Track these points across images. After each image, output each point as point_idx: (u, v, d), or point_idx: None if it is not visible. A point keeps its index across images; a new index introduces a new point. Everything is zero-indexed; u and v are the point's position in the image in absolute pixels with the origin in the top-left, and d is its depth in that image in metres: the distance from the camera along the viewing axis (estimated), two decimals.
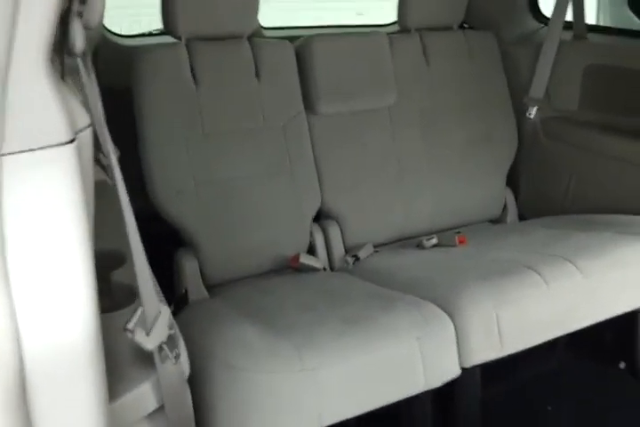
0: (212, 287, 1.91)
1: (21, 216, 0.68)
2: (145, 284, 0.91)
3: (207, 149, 1.89)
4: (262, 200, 1.97)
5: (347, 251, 2.12)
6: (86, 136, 0.78)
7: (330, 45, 2.11)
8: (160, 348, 0.94)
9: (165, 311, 0.96)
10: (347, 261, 2.07)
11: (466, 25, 2.48)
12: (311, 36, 2.10)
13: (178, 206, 1.84)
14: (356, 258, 2.06)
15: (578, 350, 2.09)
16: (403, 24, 2.27)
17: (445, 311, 1.57)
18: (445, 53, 2.31)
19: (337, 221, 2.12)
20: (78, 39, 0.79)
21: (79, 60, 0.83)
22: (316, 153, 2.09)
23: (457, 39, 2.34)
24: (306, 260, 1.99)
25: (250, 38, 2.00)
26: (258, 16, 2.03)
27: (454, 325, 1.54)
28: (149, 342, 0.90)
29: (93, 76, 0.94)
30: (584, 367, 2.07)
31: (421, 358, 1.47)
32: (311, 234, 2.07)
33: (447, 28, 2.34)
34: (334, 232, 2.11)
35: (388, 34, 2.25)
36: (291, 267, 1.99)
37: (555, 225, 2.14)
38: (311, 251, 2.08)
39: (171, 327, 0.98)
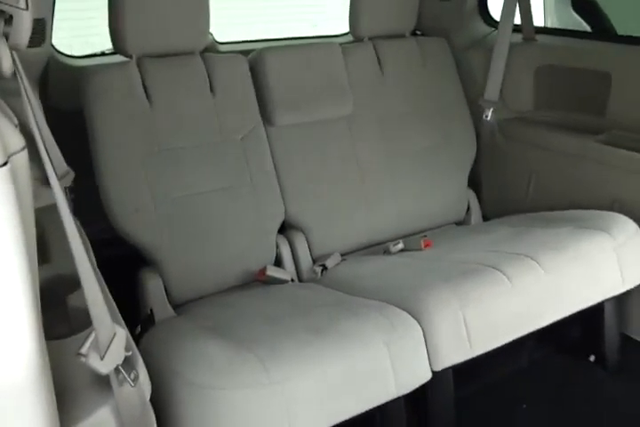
0: (178, 306, 1.88)
1: None
2: (96, 306, 0.90)
3: (164, 166, 1.87)
4: (224, 215, 1.95)
5: (314, 261, 2.12)
6: (21, 158, 0.76)
7: (283, 57, 2.12)
8: (117, 371, 0.92)
9: (121, 333, 0.95)
10: (315, 272, 2.07)
11: (418, 32, 2.52)
12: (263, 49, 2.10)
13: (137, 225, 1.82)
14: (324, 267, 2.06)
15: (547, 346, 2.11)
16: (355, 33, 2.29)
17: (412, 315, 1.56)
18: (399, 61, 2.34)
19: (302, 232, 2.12)
20: (5, 61, 0.78)
21: (21, 81, 0.81)
22: (276, 165, 2.09)
23: (410, 46, 2.37)
24: (273, 272, 1.98)
25: (202, 54, 2.00)
26: (209, 31, 2.03)
27: (422, 328, 1.54)
28: (104, 366, 0.89)
29: (35, 97, 0.93)
30: (555, 363, 2.09)
31: (391, 363, 1.46)
32: (277, 246, 2.06)
33: (400, 36, 2.37)
34: (300, 243, 2.11)
35: (341, 44, 2.26)
36: (258, 280, 1.98)
37: (516, 224, 2.17)
38: (278, 263, 2.07)
39: (128, 349, 0.97)
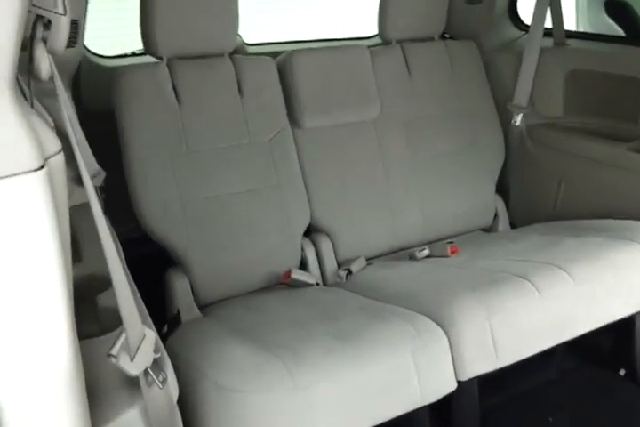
0: (204, 306, 1.88)
1: None
2: (127, 307, 0.90)
3: (193, 167, 1.88)
4: (251, 216, 1.95)
5: (339, 265, 2.11)
6: (57, 161, 0.77)
7: (311, 60, 2.11)
8: (146, 372, 0.92)
9: (150, 335, 0.95)
10: (339, 276, 2.05)
11: (447, 35, 2.49)
12: (292, 51, 2.10)
13: (165, 225, 1.82)
14: (349, 272, 2.05)
15: (576, 358, 2.07)
16: (384, 36, 2.28)
17: (438, 324, 1.55)
18: (427, 64, 2.32)
19: (328, 235, 2.11)
20: (43, 65, 0.78)
21: (57, 84, 0.82)
22: (303, 167, 2.08)
23: (438, 49, 2.35)
24: (298, 275, 1.97)
25: (231, 55, 2.00)
26: (238, 33, 2.03)
27: (448, 337, 1.52)
28: (134, 368, 0.89)
29: (69, 98, 0.94)
30: (584, 375, 2.05)
31: (416, 372, 1.44)
32: (302, 249, 2.06)
33: (428, 39, 2.35)
34: (326, 246, 2.10)
35: (369, 47, 2.25)
36: (283, 283, 1.97)
37: (545, 232, 2.13)
38: (303, 266, 2.06)
39: (156, 351, 0.97)
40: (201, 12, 1.87)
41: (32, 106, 0.87)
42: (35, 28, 0.77)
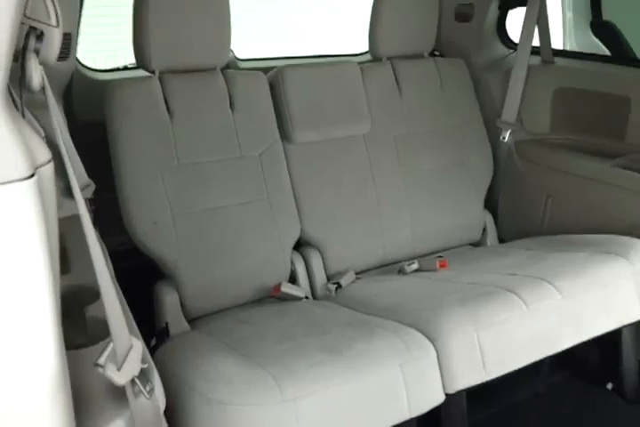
0: (192, 319, 1.88)
1: None
2: (114, 317, 0.90)
3: (183, 180, 1.88)
4: (241, 230, 1.96)
5: (328, 278, 2.11)
6: (47, 171, 0.77)
7: (302, 75, 2.13)
8: (132, 382, 0.92)
9: (137, 345, 0.95)
10: (329, 289, 2.06)
11: (436, 52, 2.53)
12: (283, 67, 2.13)
13: (155, 238, 1.82)
14: (339, 285, 2.05)
15: (564, 371, 2.08)
16: (374, 53, 2.31)
17: (427, 337, 1.55)
18: (417, 81, 2.35)
19: (317, 249, 2.12)
20: (35, 76, 0.79)
21: (48, 95, 0.83)
22: (293, 181, 2.09)
23: (428, 67, 2.39)
24: (288, 289, 1.97)
25: (223, 70, 2.02)
26: (230, 48, 2.05)
27: (436, 350, 1.53)
28: (120, 377, 0.89)
29: (60, 110, 0.95)
30: (572, 389, 2.06)
31: (404, 385, 1.45)
32: (292, 262, 2.06)
33: (418, 56, 2.38)
34: (315, 260, 2.10)
35: (359, 63, 2.28)
36: (272, 296, 1.97)
37: (533, 246, 2.15)
38: (292, 279, 2.07)
39: (144, 361, 0.97)
40: (193, 27, 1.89)
41: (23, 116, 0.88)
42: (27, 39, 0.78)
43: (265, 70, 2.14)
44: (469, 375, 1.55)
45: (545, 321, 1.67)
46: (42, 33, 0.80)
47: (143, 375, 0.94)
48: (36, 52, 0.80)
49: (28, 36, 0.78)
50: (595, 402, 1.99)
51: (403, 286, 1.98)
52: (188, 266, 1.85)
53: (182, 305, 1.86)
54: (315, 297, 2.08)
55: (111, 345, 0.90)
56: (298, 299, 1.97)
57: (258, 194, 2.00)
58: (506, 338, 1.60)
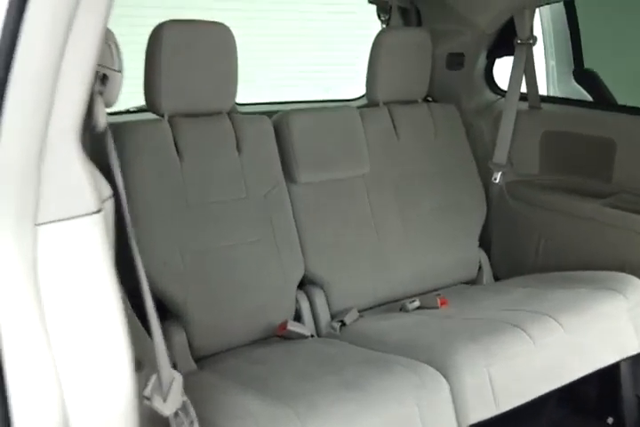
0: (199, 359, 1.88)
1: (58, 282, 0.70)
2: (160, 348, 0.92)
3: (192, 221, 1.92)
4: (247, 269, 1.98)
5: (332, 317, 2.13)
6: (109, 206, 0.82)
7: (306, 119, 2.22)
8: (176, 414, 0.94)
9: (178, 378, 0.97)
10: (333, 327, 2.08)
11: (430, 98, 2.65)
12: (289, 111, 2.21)
13: (164, 279, 1.84)
14: (343, 323, 2.08)
15: (566, 407, 2.12)
16: (372, 98, 2.41)
17: (441, 372, 1.58)
18: (412, 125, 2.45)
19: (321, 287, 2.15)
20: (102, 117, 0.84)
21: (107, 138, 0.88)
22: (297, 221, 2.14)
23: (422, 112, 2.50)
24: (293, 327, 1.98)
25: (229, 114, 2.09)
26: (236, 93, 2.13)
27: (450, 385, 1.56)
28: (167, 408, 0.91)
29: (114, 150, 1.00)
30: (573, 425, 2.08)
31: (420, 419, 1.47)
32: (297, 301, 2.09)
33: (412, 102, 2.50)
34: (320, 298, 2.13)
35: (358, 107, 2.38)
36: (278, 335, 1.98)
37: (531, 284, 2.21)
38: (297, 318, 2.09)
39: (183, 394, 0.98)
40: (203, 74, 1.96)
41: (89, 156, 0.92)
42: (94, 82, 0.83)
43: (263, 114, 2.21)
44: (481, 409, 1.57)
45: (551, 355, 1.72)
46: (104, 76, 0.85)
47: (185, 408, 0.96)
48: (101, 94, 0.85)
49: (95, 80, 0.83)
50: None
51: (408, 322, 2.01)
52: (197, 305, 1.87)
53: (189, 345, 1.86)
54: (319, 335, 2.10)
55: (155, 376, 0.92)
56: (304, 337, 1.98)
57: (264, 233, 2.04)
58: (515, 372, 1.64)
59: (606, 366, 1.84)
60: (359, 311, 2.16)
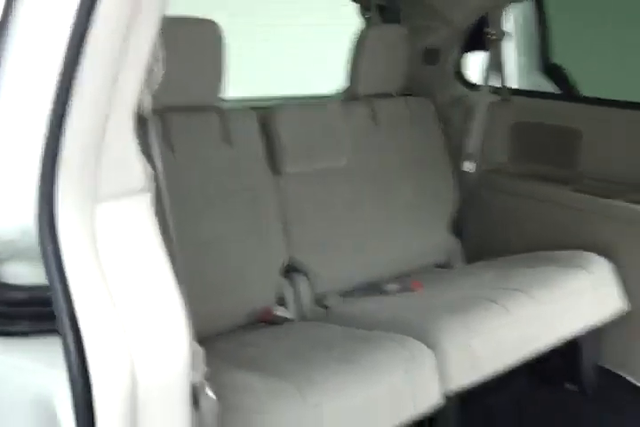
0: None
1: (117, 257, 0.79)
2: (186, 322, 1.01)
3: (180, 212, 1.96)
4: (233, 259, 2.06)
5: (315, 301, 2.24)
6: (153, 187, 0.90)
7: (292, 113, 2.32)
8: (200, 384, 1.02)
9: (199, 351, 1.04)
10: (317, 311, 2.19)
11: (407, 92, 2.77)
12: (275, 106, 2.31)
13: None
14: (326, 307, 2.19)
15: (532, 377, 2.29)
16: (352, 92, 2.52)
17: (426, 344, 1.72)
18: (390, 118, 2.57)
19: (305, 274, 2.24)
20: (147, 103, 0.92)
21: (149, 125, 0.96)
22: (282, 211, 2.23)
23: (399, 105, 2.62)
24: (278, 312, 2.09)
25: (217, 108, 2.16)
26: (223, 87, 2.20)
27: (435, 355, 1.69)
28: (196, 376, 0.98)
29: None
30: (541, 392, 2.27)
31: (410, 388, 1.60)
32: (281, 286, 2.18)
33: (390, 95, 2.61)
34: (303, 284, 2.23)
35: (341, 101, 2.49)
36: (263, 321, 2.07)
37: (501, 265, 2.36)
38: (281, 303, 2.17)
39: (206, 365, 1.06)
40: (189, 68, 2.00)
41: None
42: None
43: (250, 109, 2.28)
44: (464, 377, 1.72)
45: (525, 326, 1.89)
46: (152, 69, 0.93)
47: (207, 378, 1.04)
48: (146, 82, 0.92)
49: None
50: (559, 402, 2.25)
51: (390, 302, 2.14)
52: (184, 295, 1.93)
53: None
54: (304, 319, 2.20)
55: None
56: (289, 321, 2.08)
57: (250, 224, 2.11)
58: (494, 341, 1.80)
59: (571, 337, 2.01)
60: (343, 295, 2.27)
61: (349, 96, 2.55)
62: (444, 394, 1.68)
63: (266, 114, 2.27)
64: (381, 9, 2.68)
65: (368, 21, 2.67)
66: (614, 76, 3.00)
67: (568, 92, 2.77)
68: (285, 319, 2.08)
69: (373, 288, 2.33)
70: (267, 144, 2.24)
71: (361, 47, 2.44)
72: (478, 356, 1.75)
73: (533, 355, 1.90)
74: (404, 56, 2.57)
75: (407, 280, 2.30)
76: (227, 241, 2.06)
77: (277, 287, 2.16)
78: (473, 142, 2.65)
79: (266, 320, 2.08)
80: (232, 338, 1.96)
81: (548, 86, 2.82)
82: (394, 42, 2.53)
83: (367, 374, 1.56)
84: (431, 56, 2.73)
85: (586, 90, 2.69)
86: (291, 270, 2.25)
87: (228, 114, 2.16)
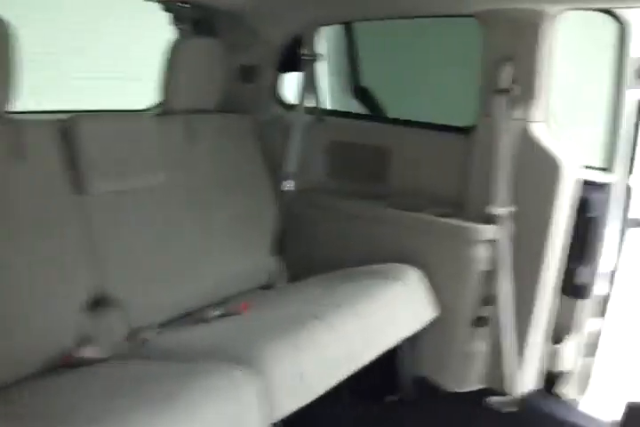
0: None
1: None
2: None
3: None
4: (24, 295, 1.78)
5: (130, 335, 2.03)
6: None
7: (97, 125, 2.10)
8: None
9: None
10: (133, 347, 1.98)
11: (228, 109, 2.70)
12: (76, 116, 2.06)
13: None
14: (143, 341, 1.99)
15: (357, 390, 2.31)
16: (167, 106, 2.38)
17: (251, 370, 1.61)
18: (207, 135, 2.47)
19: (118, 305, 2.03)
20: None
21: None
22: (89, 235, 2.00)
23: (217, 122, 2.53)
24: (85, 353, 1.84)
25: (6, 119, 1.89)
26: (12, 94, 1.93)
27: (261, 381, 1.59)
28: None
29: None
30: (364, 405, 2.32)
31: (233, 422, 1.49)
32: (90, 322, 1.93)
33: (208, 112, 2.51)
34: (115, 318, 2.01)
35: (154, 115, 2.34)
36: (66, 365, 1.81)
37: (323, 282, 2.36)
38: (91, 340, 1.91)
39: None
40: None
41: None
42: None
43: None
44: (293, 401, 1.65)
45: (350, 340, 1.88)
46: None
47: None
48: None
49: None
50: (385, 413, 2.33)
51: (210, 330, 2.01)
52: None
53: None
54: (120, 357, 1.97)
55: None
56: (100, 361, 1.84)
57: (48, 251, 1.86)
58: (321, 361, 1.76)
59: (391, 348, 2.07)
60: (161, 326, 2.09)
61: (164, 111, 2.41)
62: (270, 422, 1.59)
63: (68, 125, 2.03)
64: (195, 22, 2.59)
65: (181, 33, 2.56)
66: (412, 98, 3.24)
67: (375, 112, 2.92)
68: (94, 360, 1.84)
69: (194, 317, 2.19)
70: (69, 159, 1.99)
71: (173, 60, 2.32)
72: (307, 377, 1.68)
73: (357, 370, 1.90)
74: (219, 71, 2.50)
75: (233, 304, 2.20)
76: (20, 273, 1.78)
77: (80, 325, 1.90)
78: (291, 161, 2.66)
79: (68, 364, 1.81)
80: (28, 387, 1.68)
81: (359, 107, 2.94)
82: (208, 56, 2.44)
83: (184, 415, 1.42)
84: (247, 73, 2.71)
85: (392, 111, 2.86)
86: (100, 304, 2.00)
87: (20, 125, 1.89)
